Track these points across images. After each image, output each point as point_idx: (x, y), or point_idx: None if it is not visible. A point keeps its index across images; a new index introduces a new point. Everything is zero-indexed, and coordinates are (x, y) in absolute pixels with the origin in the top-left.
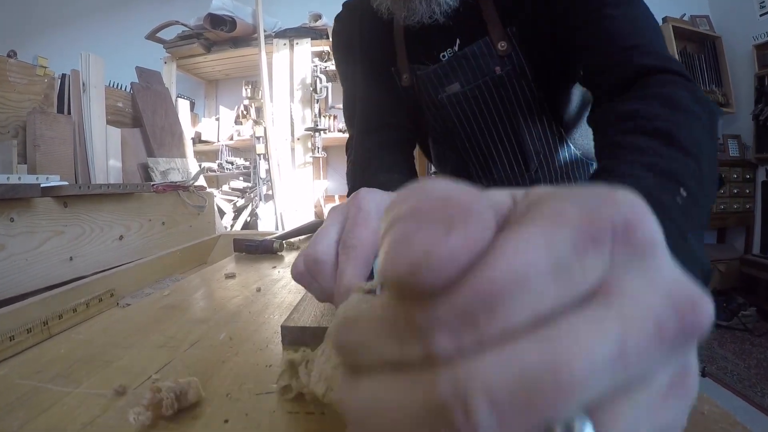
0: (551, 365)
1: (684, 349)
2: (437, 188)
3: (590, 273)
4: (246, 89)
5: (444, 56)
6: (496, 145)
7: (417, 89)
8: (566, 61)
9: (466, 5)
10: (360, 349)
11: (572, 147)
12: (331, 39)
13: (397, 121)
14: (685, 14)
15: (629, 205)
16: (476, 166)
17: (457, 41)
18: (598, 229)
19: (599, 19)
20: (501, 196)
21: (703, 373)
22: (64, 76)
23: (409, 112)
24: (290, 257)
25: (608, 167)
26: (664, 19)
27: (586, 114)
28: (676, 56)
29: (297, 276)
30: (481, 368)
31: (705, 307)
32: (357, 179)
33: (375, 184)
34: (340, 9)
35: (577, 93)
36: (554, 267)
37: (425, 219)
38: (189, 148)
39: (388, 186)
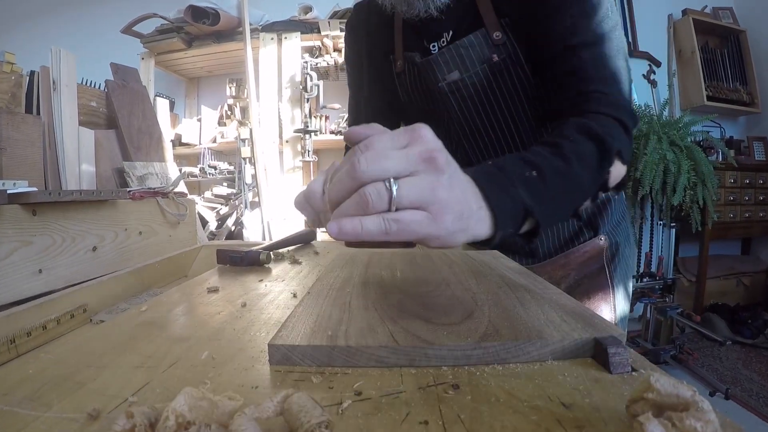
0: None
1: (429, 168)
2: (345, 161)
3: (404, 141)
4: (230, 87)
5: (434, 47)
6: (495, 130)
7: (412, 75)
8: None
9: (461, 1)
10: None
11: None
12: (344, 39)
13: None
14: (706, 6)
15: (418, 128)
16: (475, 151)
17: (450, 33)
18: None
19: (570, 57)
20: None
21: (727, 395)
22: (32, 73)
23: (397, 96)
24: (278, 270)
25: (510, 156)
26: (684, 12)
27: None
28: (697, 51)
29: (297, 204)
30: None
31: (437, 158)
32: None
33: None
34: (330, 2)
35: None
36: (391, 139)
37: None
38: (168, 152)
39: None
